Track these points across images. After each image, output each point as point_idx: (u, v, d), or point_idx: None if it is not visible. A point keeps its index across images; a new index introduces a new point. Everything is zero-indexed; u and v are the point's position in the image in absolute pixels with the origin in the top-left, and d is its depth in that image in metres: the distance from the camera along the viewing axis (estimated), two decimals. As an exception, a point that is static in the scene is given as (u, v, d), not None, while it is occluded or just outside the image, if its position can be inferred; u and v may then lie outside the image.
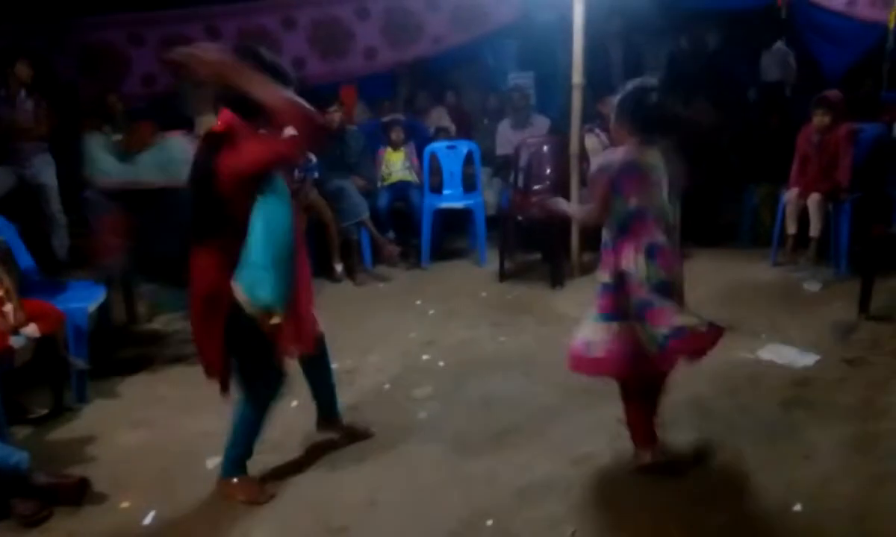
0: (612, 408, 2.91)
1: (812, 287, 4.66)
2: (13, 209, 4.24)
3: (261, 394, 2.62)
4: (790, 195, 5.00)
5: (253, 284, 2.30)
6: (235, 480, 2.69)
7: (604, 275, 2.62)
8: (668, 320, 2.48)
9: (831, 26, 6.23)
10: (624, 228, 2.55)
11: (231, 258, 2.33)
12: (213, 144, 2.34)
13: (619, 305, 2.56)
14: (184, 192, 2.46)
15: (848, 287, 4.41)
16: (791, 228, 5.00)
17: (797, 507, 2.47)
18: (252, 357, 2.53)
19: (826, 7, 6.14)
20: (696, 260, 4.88)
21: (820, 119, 4.92)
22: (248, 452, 2.70)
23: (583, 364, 2.63)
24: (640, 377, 2.61)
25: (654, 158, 2.56)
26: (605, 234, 2.64)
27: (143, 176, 4.08)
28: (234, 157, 2.27)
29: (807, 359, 3.60)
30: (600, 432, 2.98)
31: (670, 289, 2.53)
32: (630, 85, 2.64)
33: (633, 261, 2.51)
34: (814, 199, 4.87)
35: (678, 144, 2.60)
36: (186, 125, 6.22)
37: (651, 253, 2.50)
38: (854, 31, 6.06)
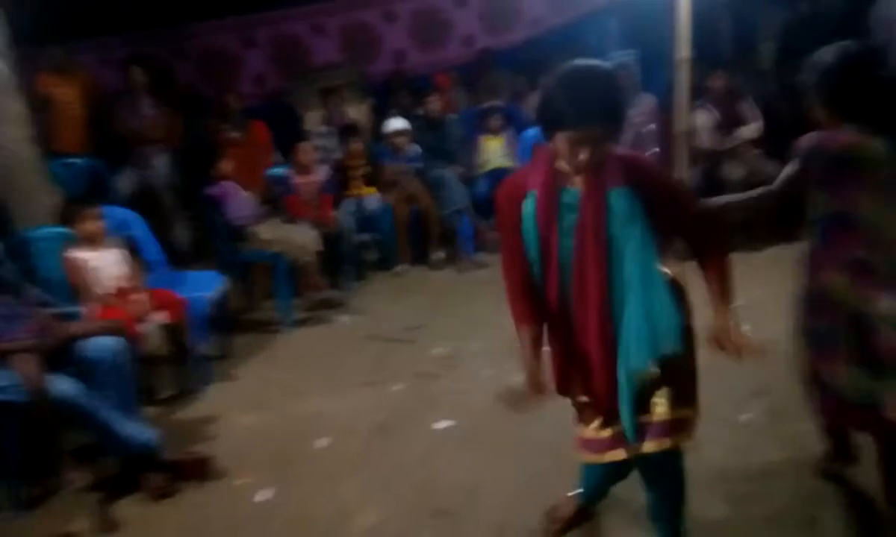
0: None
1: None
2: (139, 206, 4.56)
3: None
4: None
5: None
6: None
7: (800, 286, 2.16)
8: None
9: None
10: (824, 235, 2.06)
11: None
12: None
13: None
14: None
15: None
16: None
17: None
18: None
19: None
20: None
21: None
22: None
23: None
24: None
25: (880, 153, 1.94)
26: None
27: None
28: None
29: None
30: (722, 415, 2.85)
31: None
32: (831, 53, 2.03)
33: (830, 279, 2.03)
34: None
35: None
36: (295, 122, 6.52)
37: (852, 271, 1.99)
38: None
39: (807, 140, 2.08)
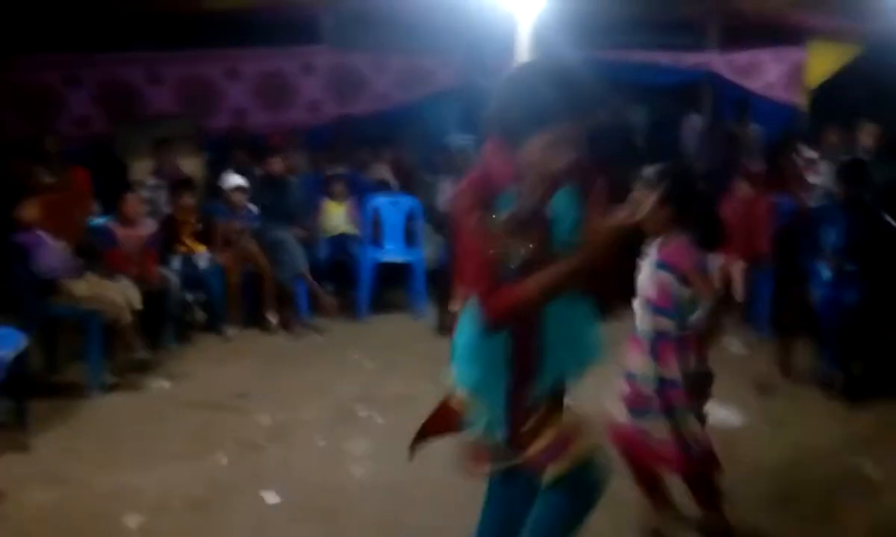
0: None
1: (736, 348, 4.83)
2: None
3: None
4: (716, 261, 5.23)
5: None
6: None
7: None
8: None
9: (752, 105, 6.69)
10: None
11: None
12: None
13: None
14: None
15: (770, 349, 4.59)
16: (715, 292, 5.22)
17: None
18: None
19: (747, 87, 6.61)
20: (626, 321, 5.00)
21: (743, 191, 5.20)
22: None
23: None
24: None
25: None
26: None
27: None
28: None
29: (733, 419, 3.70)
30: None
31: None
32: (673, 166, 2.53)
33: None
34: (738, 266, 5.10)
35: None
36: (120, 171, 6.11)
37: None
38: (772, 110, 6.52)
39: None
